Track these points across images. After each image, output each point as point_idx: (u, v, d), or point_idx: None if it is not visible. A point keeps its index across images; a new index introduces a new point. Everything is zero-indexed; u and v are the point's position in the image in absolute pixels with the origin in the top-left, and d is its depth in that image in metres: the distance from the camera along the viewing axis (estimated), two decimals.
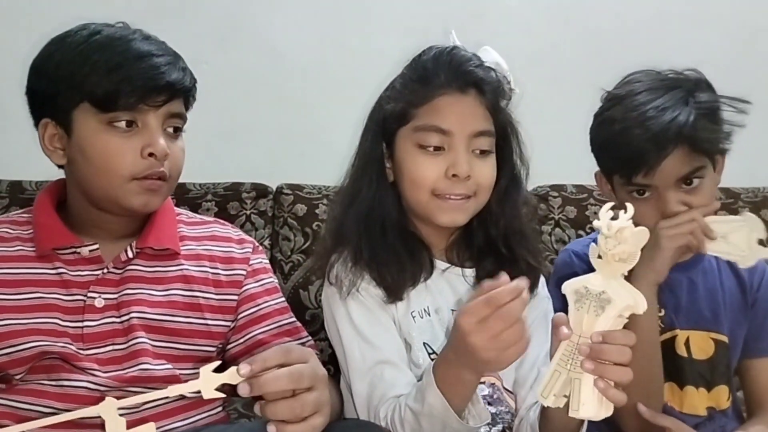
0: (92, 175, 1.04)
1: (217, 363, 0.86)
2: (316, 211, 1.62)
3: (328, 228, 1.26)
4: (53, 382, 1.01)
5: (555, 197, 1.72)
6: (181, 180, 1.13)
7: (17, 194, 1.55)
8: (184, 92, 1.07)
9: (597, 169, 1.28)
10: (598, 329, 0.86)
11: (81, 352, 1.03)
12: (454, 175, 1.10)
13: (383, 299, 1.12)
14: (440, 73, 1.12)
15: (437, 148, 1.11)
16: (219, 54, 1.86)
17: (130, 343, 1.05)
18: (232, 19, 1.89)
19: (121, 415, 0.82)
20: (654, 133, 1.11)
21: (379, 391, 1.07)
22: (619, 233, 0.86)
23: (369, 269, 1.12)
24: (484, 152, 1.13)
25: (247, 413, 1.49)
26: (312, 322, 1.54)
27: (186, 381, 1.05)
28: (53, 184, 1.14)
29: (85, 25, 1.06)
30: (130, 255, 1.09)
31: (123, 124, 1.03)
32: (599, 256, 0.88)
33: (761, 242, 1.11)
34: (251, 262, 1.18)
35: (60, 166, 1.10)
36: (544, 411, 0.96)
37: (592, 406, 0.86)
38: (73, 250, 1.07)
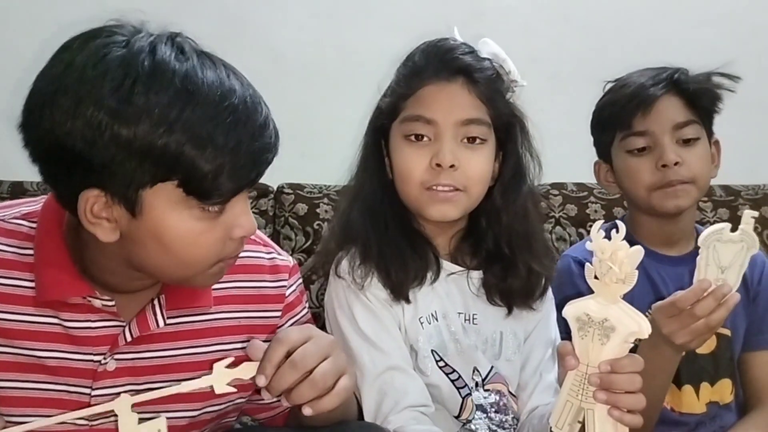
0: (168, 264, 0.83)
1: (231, 359, 0.81)
2: (317, 210, 1.62)
3: (335, 224, 1.23)
4: None
5: (555, 195, 1.71)
6: None
7: (19, 195, 1.54)
8: None
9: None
10: (604, 358, 0.85)
11: (85, 424, 0.87)
12: (438, 165, 1.07)
13: (390, 300, 1.10)
14: (428, 64, 1.11)
15: (421, 137, 1.09)
16: (219, 54, 1.84)
17: (150, 416, 0.86)
18: (232, 20, 1.89)
19: None
20: (649, 77, 1.26)
21: (390, 398, 1.05)
22: (613, 255, 0.83)
23: (377, 267, 1.10)
24: (474, 141, 1.10)
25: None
26: (313, 321, 1.54)
27: None
28: (55, 206, 0.87)
29: (152, 47, 0.78)
30: (160, 323, 0.90)
31: (216, 208, 0.81)
32: (596, 277, 0.86)
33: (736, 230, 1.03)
34: (287, 294, 1.02)
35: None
36: None
37: None
38: (84, 298, 0.88)
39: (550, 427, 0.92)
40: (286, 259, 1.05)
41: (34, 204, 0.91)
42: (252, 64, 1.86)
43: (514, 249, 1.14)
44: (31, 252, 0.86)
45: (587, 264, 0.87)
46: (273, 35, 1.91)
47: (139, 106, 0.74)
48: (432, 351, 1.11)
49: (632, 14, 2.01)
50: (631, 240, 1.26)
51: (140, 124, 0.74)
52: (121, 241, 0.81)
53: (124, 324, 0.89)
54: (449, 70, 1.10)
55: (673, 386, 1.26)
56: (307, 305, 1.08)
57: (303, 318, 1.05)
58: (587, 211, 1.69)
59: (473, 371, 1.12)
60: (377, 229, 1.12)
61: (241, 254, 0.94)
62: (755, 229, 1.03)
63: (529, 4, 1.99)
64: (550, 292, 1.21)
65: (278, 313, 1.01)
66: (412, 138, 1.09)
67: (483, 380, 1.12)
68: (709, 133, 1.28)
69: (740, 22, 2.02)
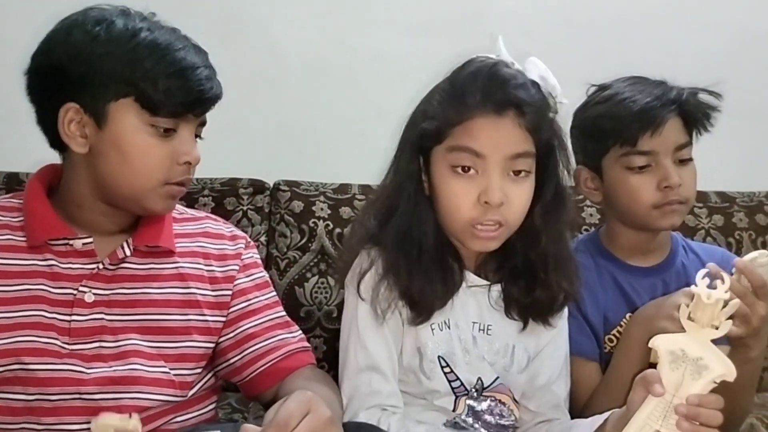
0: (124, 173, 1.03)
1: None
2: (313, 208, 1.62)
3: (356, 235, 1.23)
4: (40, 396, 0.99)
5: None
6: None
7: (14, 186, 1.54)
8: (215, 104, 1.09)
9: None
10: (693, 392, 0.92)
11: (66, 347, 1.02)
12: (486, 202, 1.06)
13: (409, 321, 1.11)
14: (477, 93, 1.06)
15: (468, 168, 1.07)
16: (218, 50, 1.81)
17: (121, 343, 1.04)
18: (232, 16, 1.89)
19: None
20: (656, 96, 1.24)
21: (362, 396, 1.09)
22: (716, 303, 0.92)
23: (401, 296, 1.11)
24: (520, 174, 1.08)
25: (240, 408, 1.49)
26: (307, 318, 1.55)
27: (181, 384, 1.06)
28: (44, 171, 1.11)
29: (124, 11, 1.05)
30: (127, 252, 1.07)
31: (162, 129, 1.03)
32: (690, 318, 0.93)
33: None
34: (243, 257, 1.18)
35: (60, 152, 1.07)
36: None
37: None
38: (66, 242, 1.05)
39: None
40: (244, 234, 1.23)
41: (20, 193, 1.12)
42: (252, 62, 1.90)
43: (548, 269, 1.14)
44: (21, 218, 1.07)
45: (682, 305, 0.94)
46: (273, 33, 1.91)
47: (111, 35, 1.00)
48: (439, 357, 1.12)
49: (633, 19, 2.02)
50: (604, 250, 1.32)
51: (110, 45, 1.00)
52: (89, 157, 1.03)
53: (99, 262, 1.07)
54: (501, 103, 1.06)
55: None
56: (264, 274, 1.21)
57: (259, 280, 1.19)
58: (582, 214, 1.69)
59: (477, 380, 1.14)
60: (410, 253, 1.11)
61: (205, 226, 1.18)
62: (749, 235, 1.05)
63: (530, 7, 1.99)
64: (566, 310, 1.21)
65: (236, 268, 1.17)
66: (459, 170, 1.08)
67: (483, 388, 1.14)
68: None
69: (738, 29, 2.03)
